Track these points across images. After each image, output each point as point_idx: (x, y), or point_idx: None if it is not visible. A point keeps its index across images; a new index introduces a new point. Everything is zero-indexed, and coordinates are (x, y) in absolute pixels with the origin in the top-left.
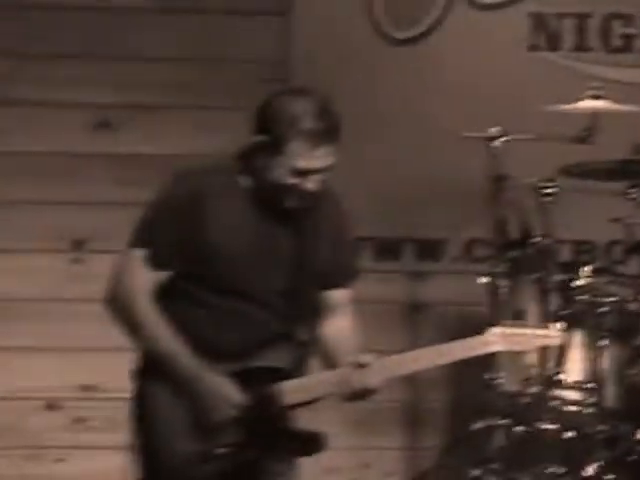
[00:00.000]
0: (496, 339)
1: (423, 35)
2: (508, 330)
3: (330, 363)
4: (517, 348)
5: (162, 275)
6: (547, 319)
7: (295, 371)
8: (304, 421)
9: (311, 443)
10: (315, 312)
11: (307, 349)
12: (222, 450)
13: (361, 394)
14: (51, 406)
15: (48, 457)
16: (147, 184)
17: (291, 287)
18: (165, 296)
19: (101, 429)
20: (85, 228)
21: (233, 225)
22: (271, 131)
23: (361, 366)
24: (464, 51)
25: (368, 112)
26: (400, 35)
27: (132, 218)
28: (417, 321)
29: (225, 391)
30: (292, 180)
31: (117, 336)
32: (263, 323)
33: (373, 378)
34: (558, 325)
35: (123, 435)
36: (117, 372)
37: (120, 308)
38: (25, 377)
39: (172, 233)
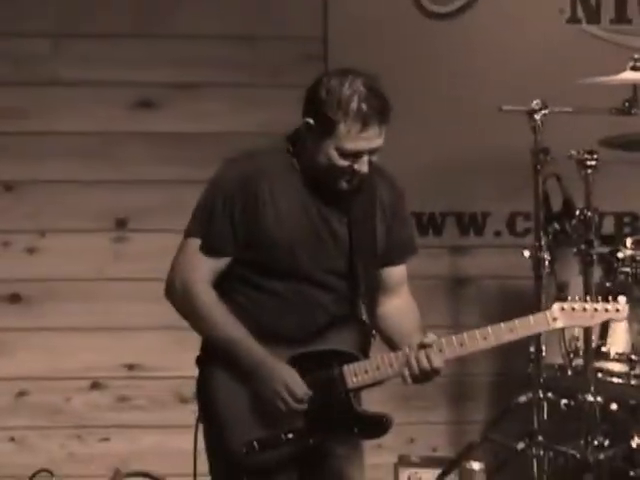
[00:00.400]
0: (559, 315)
1: (462, 9)
2: (571, 305)
3: (393, 344)
4: (580, 324)
5: (220, 263)
6: (590, 291)
7: (358, 353)
8: (368, 403)
9: (376, 425)
10: (374, 293)
11: (368, 330)
12: (287, 436)
13: (426, 375)
14: (95, 385)
15: (93, 436)
16: (188, 163)
17: (350, 268)
18: (225, 283)
19: (145, 408)
20: (128, 207)
21: (287, 208)
22: (320, 113)
23: (425, 346)
24: (503, 24)
25: (408, 87)
26: (439, 9)
27: (174, 197)
28: (461, 295)
29: (288, 382)
30: (342, 162)
31: (161, 315)
32: (323, 306)
33: (437, 358)
34: (622, 299)
35: (167, 414)
36: (161, 351)
37: (180, 299)
38: (69, 357)
39: (226, 220)
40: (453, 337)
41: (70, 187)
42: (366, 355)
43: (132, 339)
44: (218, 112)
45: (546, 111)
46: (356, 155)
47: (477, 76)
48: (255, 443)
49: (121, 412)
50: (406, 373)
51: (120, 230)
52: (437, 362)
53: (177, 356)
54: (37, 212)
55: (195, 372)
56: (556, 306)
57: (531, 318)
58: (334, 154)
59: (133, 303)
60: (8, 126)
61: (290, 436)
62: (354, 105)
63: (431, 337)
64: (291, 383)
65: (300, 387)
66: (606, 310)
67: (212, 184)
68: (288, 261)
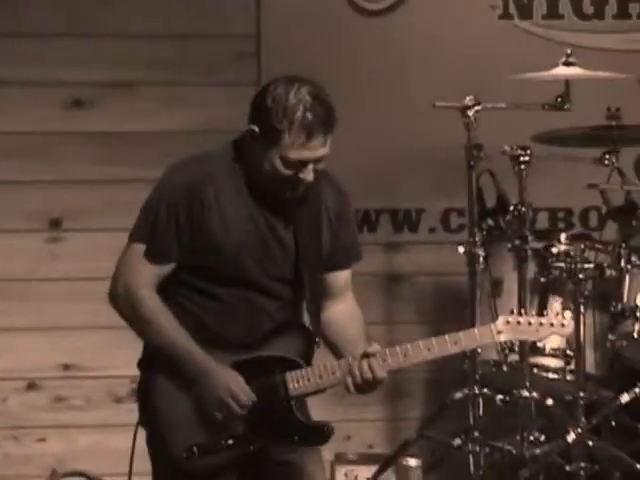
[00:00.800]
0: (503, 329)
1: (394, 6)
2: (516, 319)
3: (336, 350)
4: (525, 338)
5: (164, 268)
6: (525, 287)
7: (301, 360)
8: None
9: (317, 434)
10: (320, 299)
11: (312, 338)
12: (228, 442)
13: (368, 385)
14: (32, 386)
15: (29, 437)
16: (123, 162)
17: (295, 275)
18: (169, 287)
19: (81, 408)
20: (62, 207)
21: (233, 214)
22: (265, 121)
23: (368, 356)
24: (436, 21)
25: (340, 84)
26: (372, 6)
27: (109, 196)
28: (395, 292)
29: (231, 387)
30: (286, 171)
31: (96, 314)
32: (268, 312)
33: (380, 368)
34: (568, 314)
35: (102, 413)
36: (96, 351)
37: (124, 303)
38: (5, 357)
39: (171, 226)
40: (397, 347)
41: (4, 187)
42: (309, 362)
43: (68, 339)
44: (152, 111)
45: (479, 107)
46: (301, 164)
47: (410, 73)
48: (195, 448)
49: (57, 412)
50: (349, 382)
51: (54, 230)
52: (380, 373)
53: (112, 356)
54: None
55: (128, 372)
56: (501, 319)
57: (476, 331)
58: (278, 163)
59: (68, 303)
60: None
61: (230, 442)
62: (299, 114)
63: (374, 347)
64: (235, 389)
65: (244, 392)
66: (551, 325)
67: (157, 189)
68: (234, 267)
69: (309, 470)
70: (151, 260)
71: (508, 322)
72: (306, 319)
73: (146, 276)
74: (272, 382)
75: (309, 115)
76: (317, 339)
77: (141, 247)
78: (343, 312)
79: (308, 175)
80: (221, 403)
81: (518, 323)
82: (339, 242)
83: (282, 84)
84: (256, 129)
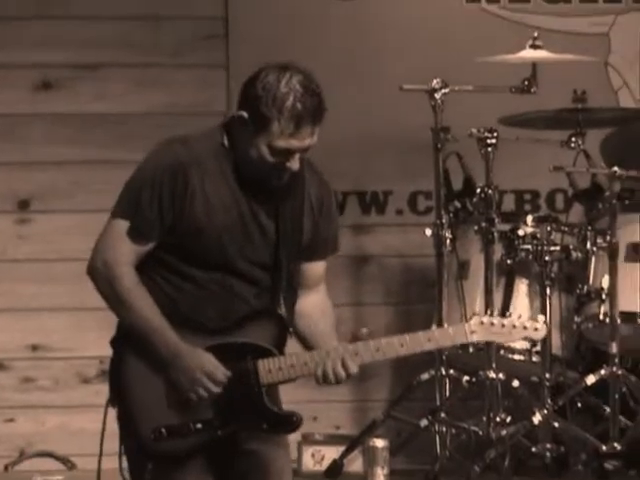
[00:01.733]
0: (477, 329)
1: None
2: (490, 320)
3: (307, 343)
4: (497, 339)
5: (145, 247)
6: (491, 269)
7: (273, 349)
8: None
9: (285, 423)
10: (295, 290)
11: (285, 326)
12: (196, 426)
13: (338, 378)
14: (0, 366)
15: None
16: (92, 143)
17: (274, 262)
18: (147, 268)
19: (49, 389)
20: (30, 189)
21: (217, 197)
22: (255, 108)
23: (340, 350)
24: (405, 4)
25: (311, 66)
26: None
27: (77, 177)
28: (363, 274)
29: (206, 367)
30: (273, 159)
31: (64, 296)
32: (245, 298)
33: (352, 363)
34: (541, 318)
35: (70, 394)
36: (64, 332)
37: (102, 279)
38: None
39: (154, 206)
40: (370, 342)
41: None
42: (281, 351)
43: (36, 320)
44: (120, 92)
45: (446, 90)
46: (288, 153)
47: (378, 56)
48: (163, 430)
49: (26, 393)
50: (319, 374)
51: (23, 212)
52: (352, 368)
53: (80, 337)
54: None
55: (96, 353)
56: (475, 319)
57: (450, 329)
58: (265, 150)
59: (37, 284)
60: None
61: (199, 426)
62: (289, 104)
63: (346, 343)
64: (209, 367)
65: (219, 370)
66: (524, 328)
67: (143, 167)
68: (214, 251)
69: (277, 463)
70: (132, 239)
71: (482, 323)
72: (282, 307)
73: (126, 254)
74: (244, 368)
75: (299, 105)
76: (290, 329)
77: (123, 224)
78: (315, 305)
79: (294, 164)
80: (197, 383)
81: (492, 324)
82: (319, 233)
83: (273, 72)
84: (245, 115)
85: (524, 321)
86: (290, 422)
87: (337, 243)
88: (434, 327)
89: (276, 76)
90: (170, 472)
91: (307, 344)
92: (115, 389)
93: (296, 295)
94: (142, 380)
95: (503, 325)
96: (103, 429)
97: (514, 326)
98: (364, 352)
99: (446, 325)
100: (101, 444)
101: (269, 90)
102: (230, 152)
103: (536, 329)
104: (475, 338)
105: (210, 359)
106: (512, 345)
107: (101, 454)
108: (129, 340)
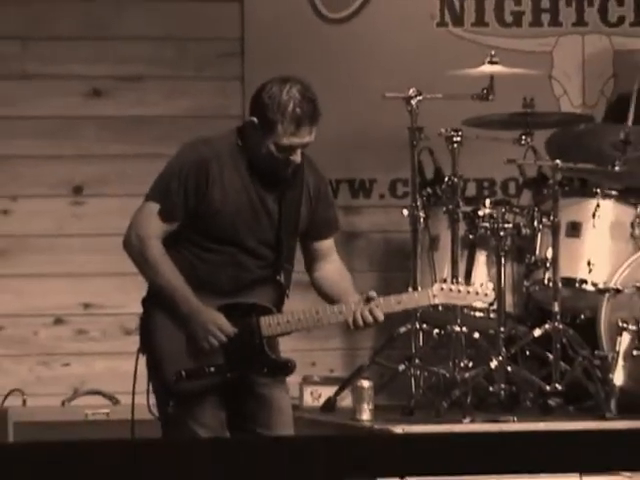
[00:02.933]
0: (438, 294)
1: (352, 15)
2: (449, 287)
3: (330, 299)
4: (454, 302)
5: (171, 225)
6: (457, 242)
7: (273, 308)
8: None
9: (282, 368)
10: (292, 262)
11: (283, 291)
12: (210, 369)
13: (368, 323)
14: (58, 321)
15: (56, 362)
16: (131, 141)
17: (276, 241)
18: (173, 242)
19: (98, 339)
20: (83, 177)
21: (232, 186)
22: (263, 114)
23: (369, 300)
24: (385, 28)
25: (310, 78)
26: (334, 15)
27: (119, 168)
28: (353, 247)
29: (217, 321)
30: (279, 154)
31: (109, 263)
32: (250, 268)
33: (379, 312)
34: (490, 285)
35: (115, 343)
36: (110, 293)
37: (135, 249)
38: (36, 298)
39: (181, 192)
40: (381, 298)
41: (36, 161)
42: (279, 310)
43: (87, 283)
44: (155, 100)
45: (420, 97)
46: (291, 149)
47: (365, 69)
48: (183, 373)
49: (79, 342)
50: (350, 321)
51: (77, 195)
52: (380, 315)
53: (123, 297)
54: (9, 181)
55: (136, 310)
56: (437, 286)
57: (416, 294)
58: (272, 148)
59: (87, 254)
60: None
61: (212, 369)
62: (290, 109)
63: (373, 293)
64: (220, 322)
65: (227, 325)
66: (476, 293)
67: (174, 162)
68: (228, 230)
69: (279, 402)
70: (162, 217)
71: (442, 289)
72: (281, 276)
73: (155, 229)
74: (248, 323)
75: (298, 110)
76: (287, 292)
77: (154, 206)
78: (333, 271)
79: (297, 158)
80: (209, 333)
81: (450, 290)
82: (319, 217)
83: (277, 84)
84: (255, 120)
85: (477, 287)
86: (286, 367)
87: (337, 222)
88: (373, 291)
89: (279, 87)
90: (189, 407)
91: (332, 301)
92: (144, 340)
93: (292, 267)
94: (165, 332)
95: (459, 291)
96: (135, 371)
97: (468, 292)
98: (384, 304)
99: (416, 289)
100: (134, 384)
101: (273, 99)
102: (243, 150)
103: (486, 294)
104: (436, 301)
105: (220, 316)
106: (474, 304)
107: (134, 392)
108: (156, 300)
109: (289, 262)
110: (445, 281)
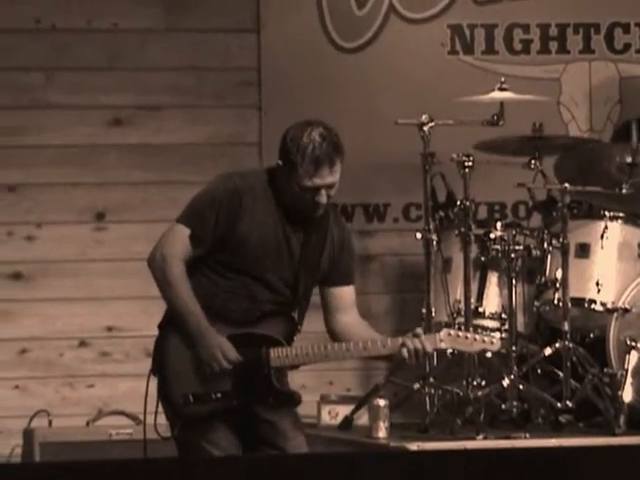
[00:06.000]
0: (445, 339)
1: (366, 44)
2: (456, 333)
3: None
4: (459, 348)
5: (197, 250)
6: (469, 264)
7: (283, 341)
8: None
9: (287, 400)
10: (308, 300)
11: (295, 326)
12: (217, 395)
13: (421, 357)
14: (82, 343)
15: (81, 384)
16: (152, 168)
17: (294, 279)
18: (195, 267)
19: (121, 361)
20: (105, 203)
21: (260, 222)
22: (286, 157)
23: (416, 336)
24: (398, 56)
25: (324, 105)
26: (348, 45)
27: (141, 195)
28: (368, 269)
29: (223, 346)
30: (304, 195)
31: (132, 288)
32: (265, 302)
33: (428, 344)
34: (497, 335)
35: (137, 365)
36: (132, 316)
37: (158, 266)
38: (61, 321)
39: (213, 220)
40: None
41: (60, 188)
42: (290, 344)
43: (110, 307)
44: (174, 128)
45: (432, 124)
46: (314, 189)
47: (378, 96)
48: (190, 396)
49: (103, 364)
50: (405, 355)
51: (99, 221)
52: (429, 348)
53: (145, 320)
54: (34, 208)
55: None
56: (444, 332)
57: (423, 337)
58: (297, 189)
59: (110, 278)
60: (10, 141)
61: (219, 395)
62: (309, 151)
63: (419, 330)
64: (225, 348)
65: (232, 352)
66: (483, 341)
67: (208, 190)
68: (250, 261)
69: (288, 434)
70: (191, 242)
71: (449, 334)
72: (295, 312)
73: (181, 251)
74: (258, 353)
75: (317, 152)
76: (299, 327)
77: (184, 229)
78: (358, 322)
79: (322, 198)
80: (213, 357)
81: (457, 336)
82: (341, 264)
83: (300, 128)
84: (280, 162)
85: (483, 337)
86: (292, 398)
87: (354, 277)
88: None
89: (300, 131)
90: (200, 429)
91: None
92: (156, 361)
93: (308, 304)
94: (177, 355)
95: (467, 337)
96: (147, 391)
97: (475, 339)
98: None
99: (430, 311)
100: (145, 403)
101: (295, 141)
102: (273, 190)
103: (492, 343)
104: (443, 345)
105: (226, 342)
106: (485, 324)
107: (145, 411)
108: (171, 324)
109: (305, 300)
110: (455, 327)
